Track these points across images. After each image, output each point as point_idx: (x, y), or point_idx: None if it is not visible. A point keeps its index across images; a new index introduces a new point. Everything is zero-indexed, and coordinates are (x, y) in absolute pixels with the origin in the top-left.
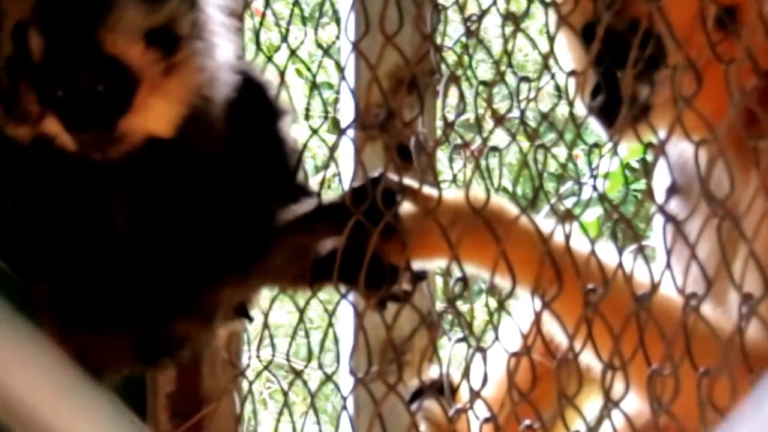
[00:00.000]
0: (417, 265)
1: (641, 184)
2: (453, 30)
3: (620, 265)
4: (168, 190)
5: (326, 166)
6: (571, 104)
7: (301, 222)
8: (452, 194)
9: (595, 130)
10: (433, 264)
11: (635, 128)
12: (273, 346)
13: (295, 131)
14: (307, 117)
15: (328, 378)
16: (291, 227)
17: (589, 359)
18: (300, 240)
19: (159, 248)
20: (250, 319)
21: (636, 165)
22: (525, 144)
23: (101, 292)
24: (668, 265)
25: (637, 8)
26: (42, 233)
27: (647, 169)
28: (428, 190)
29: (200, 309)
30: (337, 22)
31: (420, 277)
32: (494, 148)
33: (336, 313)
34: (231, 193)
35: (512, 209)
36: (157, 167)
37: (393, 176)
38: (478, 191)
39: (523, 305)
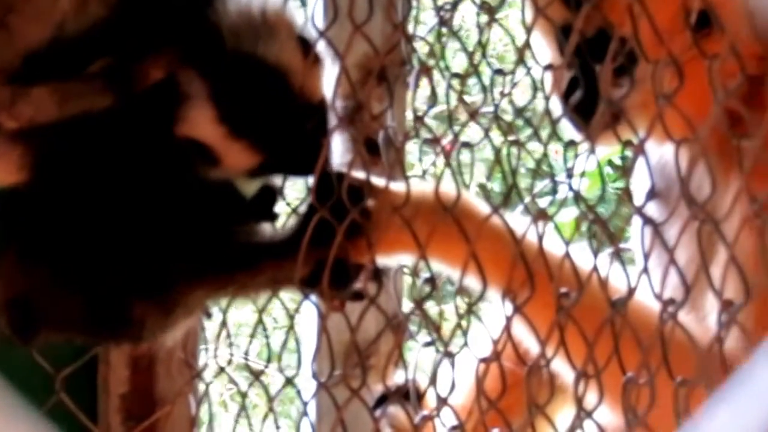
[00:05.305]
0: (381, 262)
1: (622, 182)
2: (426, 17)
3: (595, 268)
4: (165, 182)
5: None
6: (547, 99)
7: (289, 245)
8: (420, 189)
9: (570, 131)
10: (397, 261)
11: (613, 129)
12: (231, 346)
13: None
14: None
15: (289, 381)
16: (279, 249)
17: (561, 367)
18: (285, 264)
19: (143, 228)
20: (209, 316)
21: (618, 161)
22: (499, 139)
23: (71, 247)
24: (646, 270)
25: (609, 13)
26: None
27: (626, 169)
28: (395, 186)
29: (166, 298)
30: (303, 4)
31: (381, 275)
32: (466, 144)
33: (298, 313)
34: (216, 195)
35: (483, 207)
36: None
37: (359, 172)
38: (448, 187)
39: (494, 309)
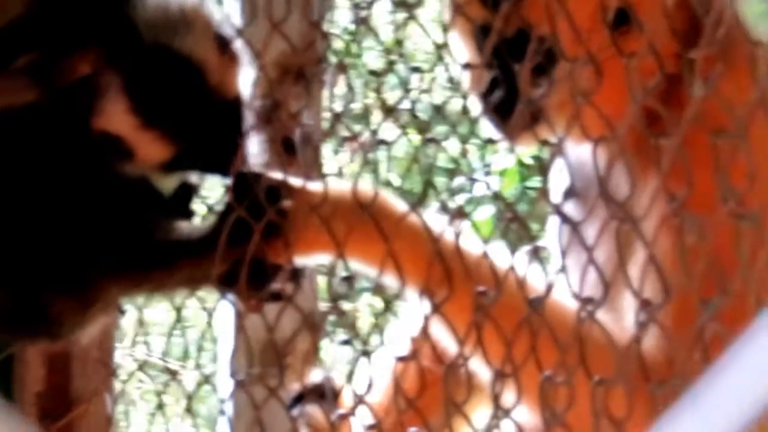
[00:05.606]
0: (298, 262)
1: (536, 182)
2: (341, 16)
3: (513, 267)
4: (81, 178)
5: None
6: (464, 97)
7: (207, 243)
8: (337, 188)
9: (489, 130)
10: (315, 261)
11: (532, 129)
12: (147, 345)
13: None
14: None
15: (206, 379)
16: (197, 247)
17: (479, 366)
18: (203, 262)
19: (61, 225)
20: (122, 312)
21: (530, 161)
22: (416, 137)
23: None
24: (563, 269)
25: (528, 13)
26: None
27: (543, 168)
28: (313, 185)
29: (84, 295)
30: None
31: (299, 275)
32: (383, 141)
33: (214, 313)
34: (136, 192)
35: (400, 205)
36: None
37: (276, 172)
38: (365, 185)
39: (412, 307)
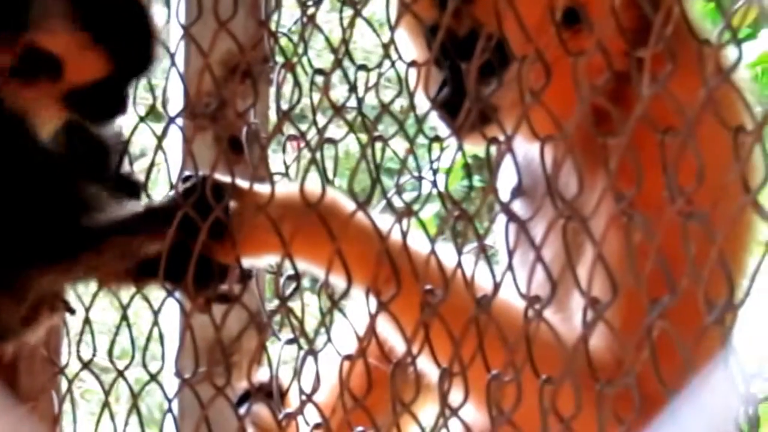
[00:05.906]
0: (246, 262)
1: (478, 181)
2: (286, 15)
3: (460, 265)
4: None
5: (154, 156)
6: (411, 96)
7: (135, 222)
8: (284, 188)
9: (439, 127)
10: (263, 261)
11: (481, 129)
12: (94, 343)
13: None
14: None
15: (153, 378)
16: (124, 226)
17: (426, 364)
18: (133, 240)
19: None
20: (72, 312)
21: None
22: (362, 136)
23: None
24: (511, 267)
25: (478, 12)
26: None
27: (491, 166)
28: (259, 185)
29: (15, 288)
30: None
31: (248, 276)
32: (329, 140)
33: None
34: (58, 180)
35: (347, 204)
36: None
37: (223, 173)
38: (312, 185)
39: (358, 306)
